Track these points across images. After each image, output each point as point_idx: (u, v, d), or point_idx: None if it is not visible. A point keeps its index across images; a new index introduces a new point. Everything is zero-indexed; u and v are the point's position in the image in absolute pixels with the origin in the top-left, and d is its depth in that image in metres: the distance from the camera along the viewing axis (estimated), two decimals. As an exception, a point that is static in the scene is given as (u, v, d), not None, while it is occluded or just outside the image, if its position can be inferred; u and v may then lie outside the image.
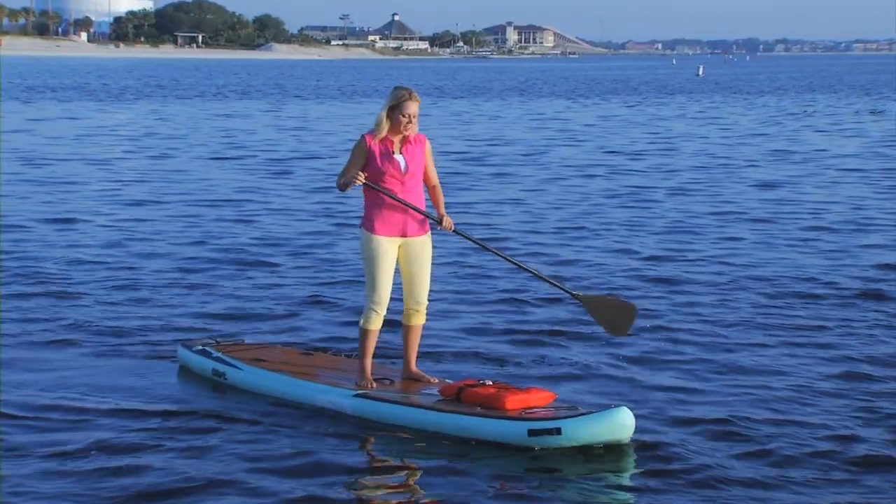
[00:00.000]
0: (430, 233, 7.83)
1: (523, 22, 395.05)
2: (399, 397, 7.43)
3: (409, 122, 7.60)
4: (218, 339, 8.90)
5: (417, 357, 8.03)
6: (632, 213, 17.71)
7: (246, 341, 9.01)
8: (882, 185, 21.24)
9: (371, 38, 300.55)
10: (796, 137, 32.97)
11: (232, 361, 8.22)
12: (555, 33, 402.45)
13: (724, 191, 20.50)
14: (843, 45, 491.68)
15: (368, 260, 7.68)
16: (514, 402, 7.02)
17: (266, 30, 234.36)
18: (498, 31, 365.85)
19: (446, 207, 7.91)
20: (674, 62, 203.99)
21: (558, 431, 6.80)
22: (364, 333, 7.75)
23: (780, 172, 23.50)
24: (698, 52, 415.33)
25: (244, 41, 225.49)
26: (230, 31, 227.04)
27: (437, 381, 7.80)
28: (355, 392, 7.54)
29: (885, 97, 60.01)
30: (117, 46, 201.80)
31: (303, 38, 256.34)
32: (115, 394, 8.27)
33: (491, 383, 7.32)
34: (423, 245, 7.78)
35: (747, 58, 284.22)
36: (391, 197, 7.58)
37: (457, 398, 7.21)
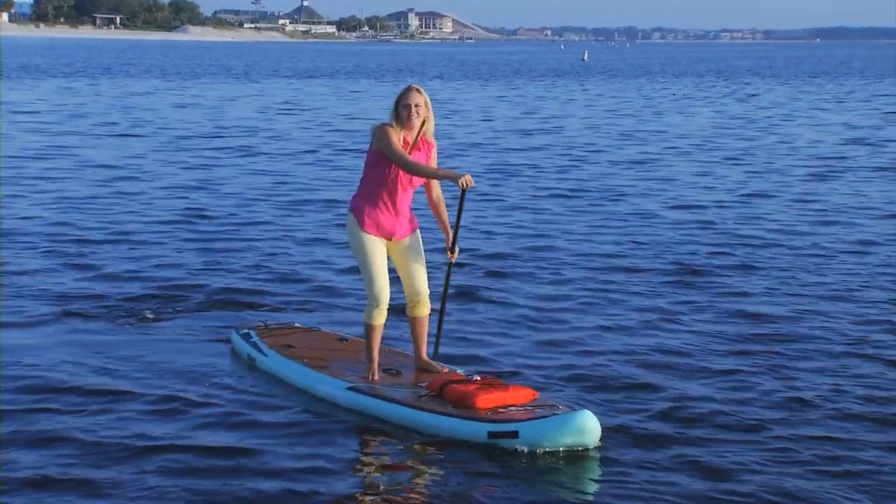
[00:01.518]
0: (418, 229, 7.24)
1: (424, 9, 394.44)
2: (385, 392, 6.91)
3: (412, 113, 6.86)
4: (268, 323, 8.36)
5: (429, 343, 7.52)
6: (500, 189, 17.02)
7: (296, 324, 8.45)
8: (732, 163, 20.86)
9: (281, 21, 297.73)
10: (664, 119, 32.67)
11: (261, 346, 7.79)
12: (453, 20, 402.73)
13: (596, 168, 19.95)
14: (712, 33, 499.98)
15: (359, 255, 7.07)
16: (486, 400, 6.49)
17: (181, 12, 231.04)
18: (400, 16, 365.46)
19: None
20: (562, 48, 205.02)
21: (515, 435, 6.25)
22: (368, 329, 7.15)
23: (649, 151, 23.03)
24: (584, 38, 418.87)
25: (160, 23, 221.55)
26: (147, 14, 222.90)
27: (446, 370, 7.21)
28: (348, 385, 7.05)
29: (747, 82, 60.52)
30: (37, 27, 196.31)
31: (216, 21, 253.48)
32: (151, 373, 7.78)
33: (478, 378, 6.79)
34: (412, 240, 7.17)
35: (627, 44, 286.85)
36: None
37: (440, 394, 6.70)
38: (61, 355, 8.16)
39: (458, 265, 10.84)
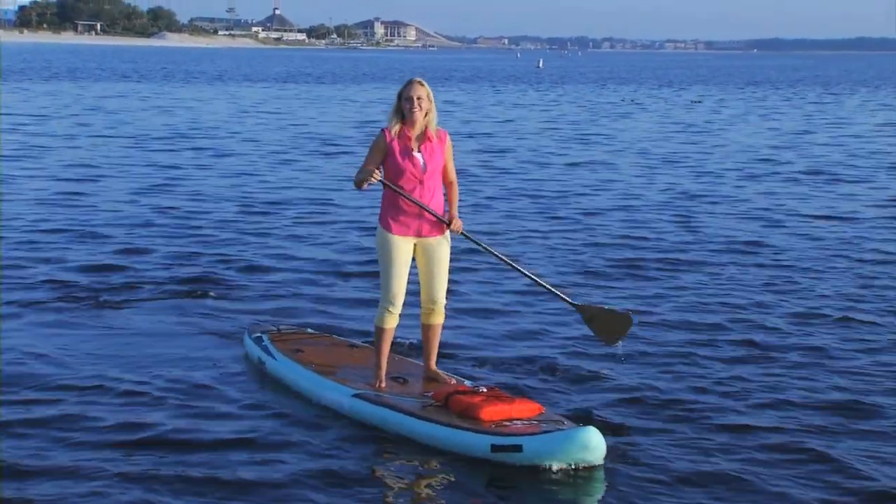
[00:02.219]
0: (447, 232, 6.69)
1: (389, 18, 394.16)
2: (391, 400, 6.42)
3: (414, 106, 6.44)
4: (280, 327, 7.85)
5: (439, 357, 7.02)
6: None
7: (308, 329, 7.95)
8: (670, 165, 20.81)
9: (254, 29, 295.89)
10: (613, 123, 32.61)
11: (271, 350, 7.31)
12: (416, 28, 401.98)
13: (547, 170, 19.80)
14: (657, 43, 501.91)
15: (383, 258, 6.60)
16: (490, 413, 6.02)
17: (159, 20, 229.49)
18: (367, 25, 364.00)
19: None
20: (518, 56, 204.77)
21: (519, 449, 5.76)
22: (378, 332, 6.68)
23: (588, 154, 22.92)
24: (539, 47, 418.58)
25: (139, 30, 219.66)
26: (126, 21, 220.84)
27: (454, 381, 6.75)
28: (354, 392, 6.55)
29: (683, 88, 60.70)
30: (21, 32, 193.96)
31: (193, 28, 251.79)
32: (155, 372, 7.38)
33: (485, 390, 6.27)
34: (439, 244, 6.65)
35: (579, 53, 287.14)
36: (406, 197, 6.50)
37: (445, 404, 6.22)
38: (61, 347, 7.88)
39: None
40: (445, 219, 6.60)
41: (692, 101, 45.76)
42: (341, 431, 6.31)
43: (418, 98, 6.46)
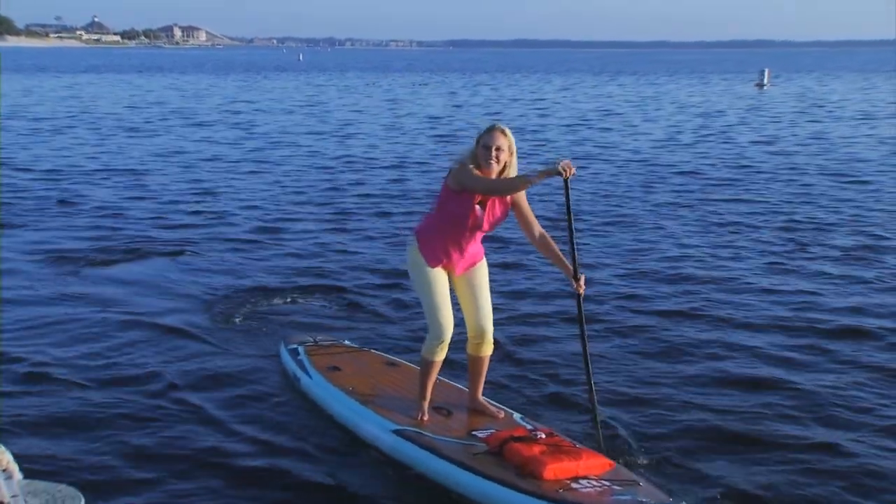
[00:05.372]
0: (484, 259, 4.48)
1: (185, 23, 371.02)
2: (436, 443, 4.14)
3: (491, 156, 4.12)
4: (318, 339, 5.48)
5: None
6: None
7: (346, 342, 5.50)
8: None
9: (78, 32, 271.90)
10: (365, 103, 31.90)
11: (306, 366, 5.02)
12: (206, 31, 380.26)
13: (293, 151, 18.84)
14: (384, 42, 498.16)
15: (421, 286, 4.35)
16: (555, 470, 3.72)
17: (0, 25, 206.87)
18: (168, 29, 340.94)
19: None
20: (284, 51, 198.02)
21: None
22: (426, 364, 4.45)
23: (327, 128, 22.25)
24: (299, 45, 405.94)
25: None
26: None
27: (503, 415, 4.49)
28: (394, 427, 4.33)
29: (389, 75, 60.64)
30: None
31: (28, 32, 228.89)
32: (202, 382, 5.15)
33: (543, 437, 3.98)
34: (476, 272, 4.46)
35: (329, 50, 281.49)
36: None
37: (499, 452, 3.95)
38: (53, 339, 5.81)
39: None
40: (570, 275, 4.26)
41: (417, 84, 45.64)
42: (373, 463, 4.22)
43: (497, 149, 4.16)
